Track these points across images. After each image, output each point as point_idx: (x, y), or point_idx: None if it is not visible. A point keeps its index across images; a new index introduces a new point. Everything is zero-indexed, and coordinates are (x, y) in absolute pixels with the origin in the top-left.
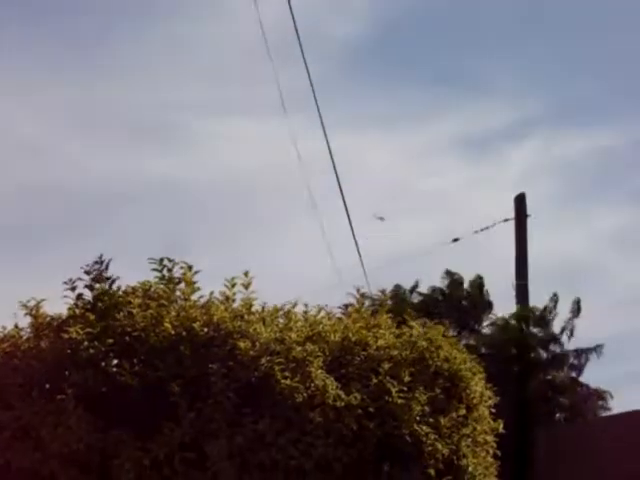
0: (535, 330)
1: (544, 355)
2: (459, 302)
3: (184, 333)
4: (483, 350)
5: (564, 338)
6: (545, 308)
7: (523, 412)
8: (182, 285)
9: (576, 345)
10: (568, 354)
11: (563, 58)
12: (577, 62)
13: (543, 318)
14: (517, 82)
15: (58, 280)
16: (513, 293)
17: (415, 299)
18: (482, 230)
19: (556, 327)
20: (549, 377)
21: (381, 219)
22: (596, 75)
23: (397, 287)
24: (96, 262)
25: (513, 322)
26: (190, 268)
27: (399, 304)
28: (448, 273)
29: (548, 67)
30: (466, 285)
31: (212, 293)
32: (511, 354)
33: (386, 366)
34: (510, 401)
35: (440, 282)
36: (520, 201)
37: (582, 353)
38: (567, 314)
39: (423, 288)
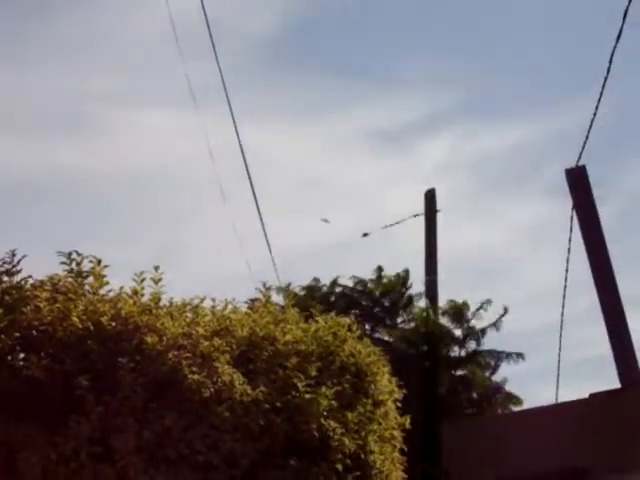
0: (451, 326)
1: (458, 352)
2: (379, 297)
3: (92, 327)
4: (399, 346)
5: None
6: (462, 305)
7: (432, 407)
8: (91, 279)
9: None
10: (483, 353)
11: (477, 52)
12: (491, 56)
13: (461, 315)
14: (432, 76)
15: None
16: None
17: (334, 293)
18: (391, 225)
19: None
20: (460, 373)
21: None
22: (510, 69)
23: (315, 281)
24: (8, 256)
25: (424, 317)
26: (99, 262)
27: (315, 299)
28: (378, 269)
29: (462, 61)
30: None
31: (122, 288)
32: (423, 350)
33: (293, 361)
34: (420, 396)
35: (366, 276)
36: (430, 197)
37: (498, 355)
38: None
39: (341, 282)
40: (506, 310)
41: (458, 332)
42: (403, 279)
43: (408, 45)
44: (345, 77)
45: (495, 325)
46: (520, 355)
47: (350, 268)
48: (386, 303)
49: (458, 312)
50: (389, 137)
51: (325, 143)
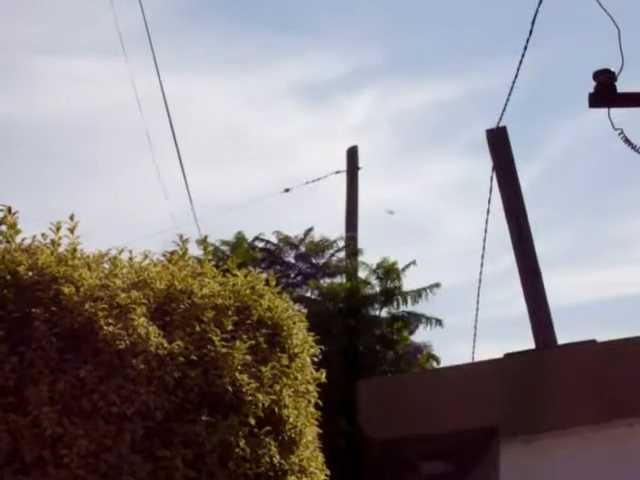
0: (374, 284)
1: (379, 311)
2: (306, 254)
3: (8, 277)
4: (321, 302)
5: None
6: (392, 264)
7: (353, 365)
8: (3, 227)
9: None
10: (406, 315)
11: (401, 9)
12: (415, 13)
13: (389, 274)
14: (356, 32)
15: None
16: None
17: (258, 248)
18: (313, 181)
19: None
20: (380, 332)
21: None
22: (434, 26)
23: (238, 234)
24: None
25: (347, 275)
26: (10, 210)
27: (239, 252)
28: (309, 230)
29: (386, 17)
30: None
31: (35, 237)
32: (345, 307)
33: (210, 314)
34: (341, 353)
35: (289, 232)
36: (352, 154)
37: (419, 318)
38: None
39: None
40: (438, 284)
41: (379, 290)
42: (331, 242)
43: (333, 1)
44: (270, 31)
45: (426, 291)
46: (439, 321)
47: (272, 223)
48: (313, 261)
49: (387, 272)
50: (312, 92)
51: (248, 96)
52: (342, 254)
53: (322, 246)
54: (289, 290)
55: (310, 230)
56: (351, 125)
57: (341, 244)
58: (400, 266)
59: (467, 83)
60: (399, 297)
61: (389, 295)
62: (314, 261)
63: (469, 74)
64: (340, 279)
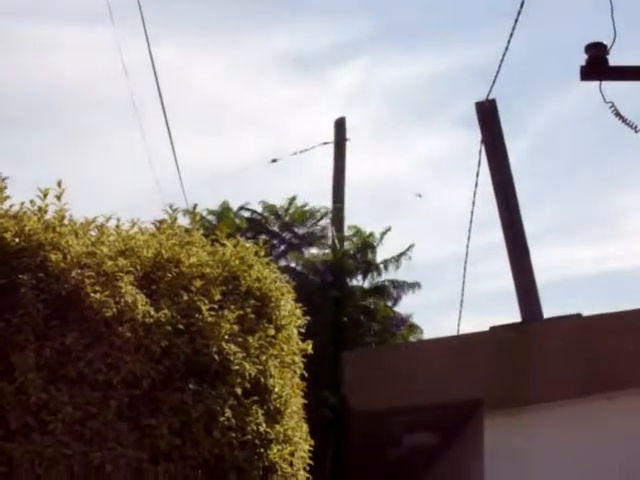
0: (356, 255)
1: (362, 282)
2: (291, 224)
3: None
4: (306, 274)
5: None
6: (369, 235)
7: (336, 336)
8: None
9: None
10: (386, 284)
11: None
12: None
13: (367, 245)
14: (343, 2)
15: None
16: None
17: (244, 217)
18: (301, 152)
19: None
20: (362, 303)
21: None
22: None
23: (224, 204)
24: None
25: (332, 246)
26: None
27: (225, 222)
28: (293, 199)
29: None
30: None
31: (23, 203)
32: (329, 279)
33: (198, 284)
34: (326, 325)
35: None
36: (340, 125)
37: (400, 286)
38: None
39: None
40: (412, 245)
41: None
42: (315, 212)
43: None
44: (258, 0)
45: (403, 255)
46: (417, 284)
47: (258, 193)
48: (299, 231)
49: (364, 242)
50: (300, 62)
51: (236, 65)
52: (327, 224)
53: (306, 216)
54: (274, 261)
55: (293, 199)
56: (339, 96)
57: (327, 215)
58: (377, 235)
59: (457, 55)
60: (380, 266)
61: (369, 265)
62: (299, 232)
63: (459, 46)
64: (324, 250)
